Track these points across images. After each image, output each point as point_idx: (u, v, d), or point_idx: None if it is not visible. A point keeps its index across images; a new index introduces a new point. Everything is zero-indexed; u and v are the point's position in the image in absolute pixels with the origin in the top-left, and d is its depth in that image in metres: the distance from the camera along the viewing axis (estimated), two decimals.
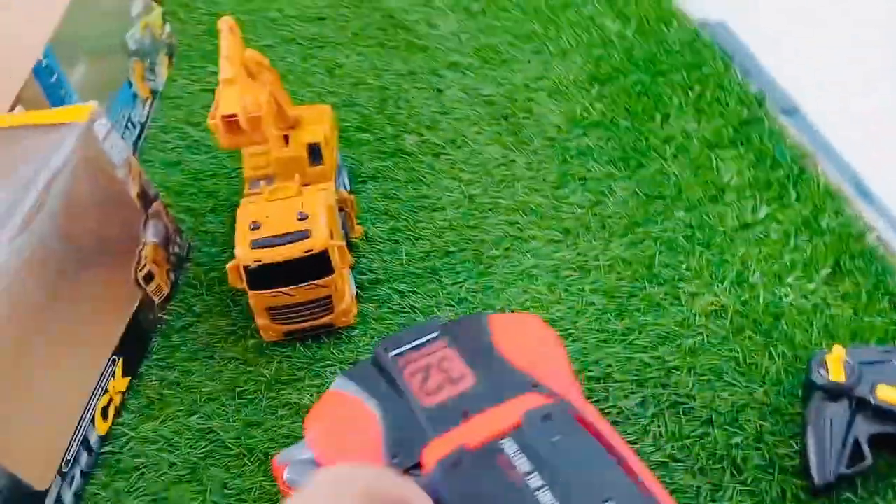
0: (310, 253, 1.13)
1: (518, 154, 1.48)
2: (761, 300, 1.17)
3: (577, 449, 0.71)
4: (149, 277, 1.28)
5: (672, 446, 1.03)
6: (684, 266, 1.24)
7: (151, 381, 1.21)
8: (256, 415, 1.14)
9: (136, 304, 1.24)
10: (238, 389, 1.18)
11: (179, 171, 1.54)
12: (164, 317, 1.29)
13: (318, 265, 1.15)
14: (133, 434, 1.15)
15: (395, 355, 0.87)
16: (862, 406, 0.97)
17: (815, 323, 1.13)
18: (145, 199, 1.29)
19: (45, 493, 1.01)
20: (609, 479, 0.68)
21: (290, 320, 1.20)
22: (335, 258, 1.16)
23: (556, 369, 0.84)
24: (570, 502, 0.66)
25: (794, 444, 1.01)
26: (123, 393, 1.19)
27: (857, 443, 0.95)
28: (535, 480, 0.68)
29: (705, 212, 1.32)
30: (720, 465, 1.01)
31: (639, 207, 1.34)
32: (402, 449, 0.77)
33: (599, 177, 1.41)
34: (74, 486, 1.07)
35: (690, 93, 1.54)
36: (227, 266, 1.15)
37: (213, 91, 1.11)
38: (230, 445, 1.11)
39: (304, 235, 1.14)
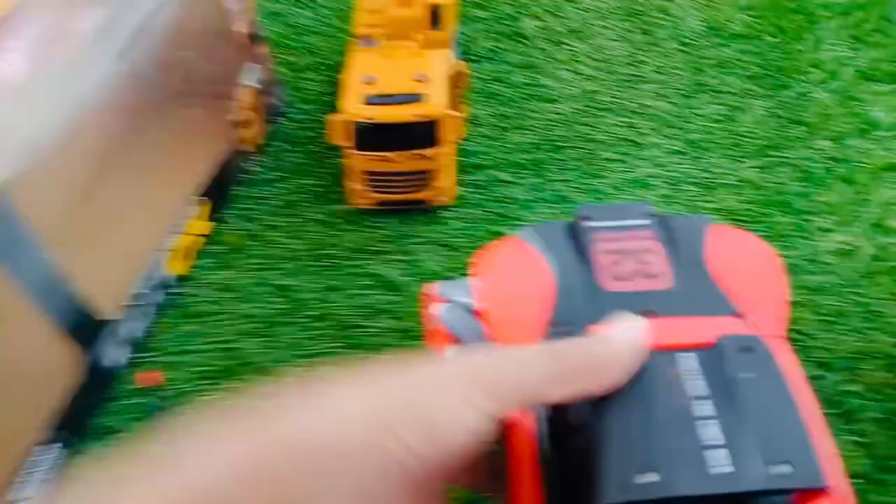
0: (423, 118, 1.05)
1: (647, 55, 1.35)
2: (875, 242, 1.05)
3: (768, 394, 0.58)
4: (243, 123, 1.22)
5: None
6: (820, 199, 1.13)
7: (233, 230, 1.17)
8: (337, 280, 1.08)
9: (228, 149, 1.19)
10: (320, 252, 1.12)
11: (282, 22, 1.46)
12: (254, 167, 1.24)
13: (428, 133, 1.07)
14: (209, 280, 1.11)
15: (593, 227, 0.77)
16: None
17: None
18: (252, 39, 1.22)
19: (114, 324, 0.98)
20: (792, 439, 0.56)
21: (386, 189, 1.13)
22: (448, 129, 1.08)
23: (766, 308, 0.74)
24: (738, 445, 0.56)
25: None
26: (206, 237, 1.15)
27: None
28: (703, 408, 0.60)
29: (850, 145, 1.19)
30: (831, 412, 0.91)
31: (777, 130, 1.22)
32: (569, 321, 0.68)
33: (736, 92, 1.28)
34: (146, 322, 1.04)
35: (850, 17, 1.38)
36: (330, 118, 1.08)
37: None
38: (308, 306, 1.06)
39: (419, 98, 1.06)
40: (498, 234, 1.11)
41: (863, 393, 0.93)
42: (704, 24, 1.39)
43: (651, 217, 0.81)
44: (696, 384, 0.61)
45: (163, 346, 1.03)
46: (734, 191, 1.14)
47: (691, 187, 1.16)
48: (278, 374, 1.00)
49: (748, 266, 0.77)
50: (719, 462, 0.56)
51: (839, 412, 0.91)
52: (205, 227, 1.15)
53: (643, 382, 0.62)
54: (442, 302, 0.85)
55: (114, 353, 0.98)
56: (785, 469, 0.56)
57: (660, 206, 1.14)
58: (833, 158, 1.17)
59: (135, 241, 1.05)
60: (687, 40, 1.36)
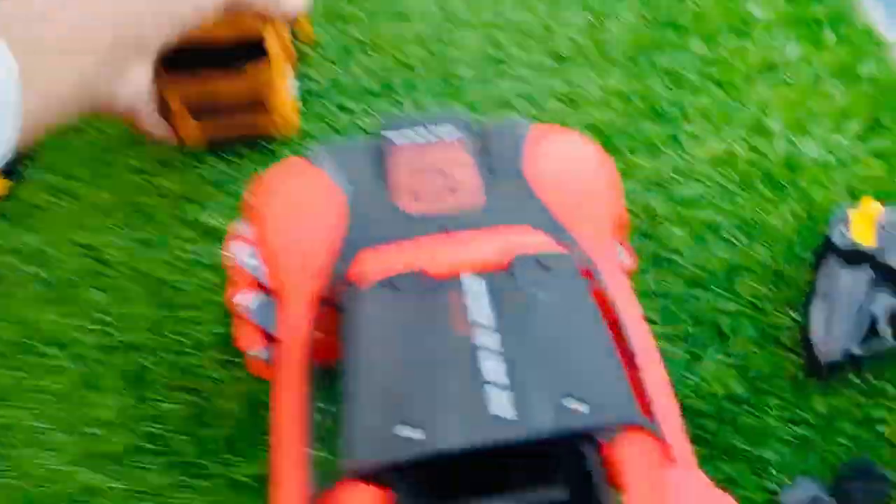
0: (243, 35, 0.89)
1: None
2: (778, 151, 0.97)
3: (562, 316, 0.50)
4: None
5: (650, 307, 0.84)
6: (693, 106, 1.03)
7: (32, 185, 1.00)
8: (152, 234, 0.94)
9: None
10: (133, 203, 0.97)
11: None
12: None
13: (253, 50, 0.91)
14: (3, 244, 0.95)
15: (394, 142, 0.67)
16: (886, 276, 0.79)
17: (838, 180, 0.93)
18: None
19: None
20: (589, 367, 0.48)
21: (216, 120, 0.97)
22: (274, 44, 0.93)
23: (591, 214, 0.63)
24: (523, 384, 0.46)
25: (796, 316, 0.83)
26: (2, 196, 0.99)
27: (874, 319, 0.77)
28: (484, 338, 0.49)
29: (725, 46, 1.09)
30: (704, 333, 0.83)
31: (647, 35, 1.11)
32: (359, 248, 0.59)
33: None
34: None
35: None
36: None
37: None
38: (116, 265, 0.92)
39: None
40: None
41: (738, 311, 0.85)
42: None
43: (463, 126, 0.69)
44: (479, 310, 0.50)
45: None
46: (602, 104, 1.04)
47: (557, 103, 1.05)
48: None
49: (574, 173, 0.66)
50: (500, 405, 0.46)
51: (715, 334, 0.83)
52: (1, 185, 0.99)
53: (412, 310, 0.51)
54: (242, 242, 0.73)
55: None
56: (580, 407, 0.46)
57: None
58: (706, 61, 1.08)
59: None
60: None
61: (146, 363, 0.83)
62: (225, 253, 0.71)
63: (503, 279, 0.52)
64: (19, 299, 0.89)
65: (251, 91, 0.95)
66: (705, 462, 0.74)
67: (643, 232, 0.91)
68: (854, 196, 0.92)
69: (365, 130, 1.04)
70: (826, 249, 0.82)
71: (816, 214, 0.91)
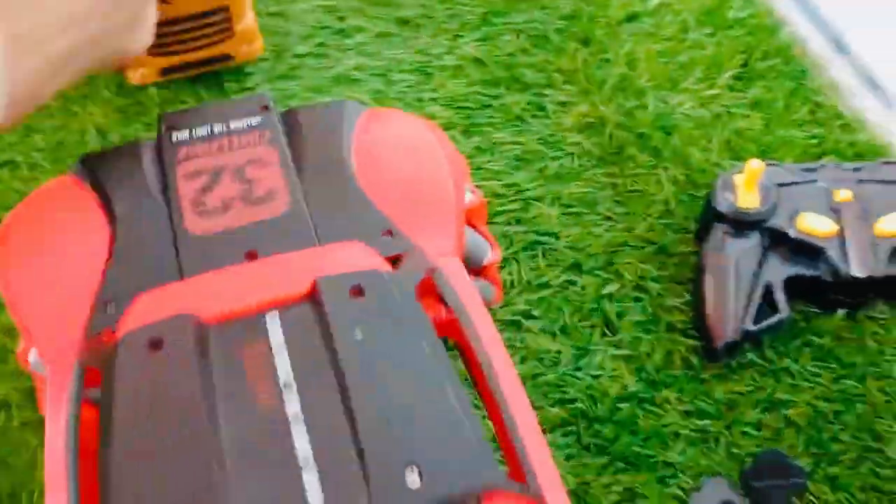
0: None
1: None
2: (650, 109, 0.88)
3: (389, 358, 0.39)
4: None
5: (526, 300, 0.74)
6: (553, 67, 0.93)
7: None
8: None
9: None
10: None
11: None
12: None
13: None
14: None
15: (177, 142, 0.53)
16: (777, 240, 0.72)
17: (716, 138, 0.86)
18: None
19: None
20: (431, 424, 0.36)
21: (171, 48, 0.84)
22: None
23: (432, 211, 0.51)
24: (332, 461, 0.35)
25: (686, 294, 0.75)
26: None
27: (768, 289, 0.70)
28: (293, 404, 0.37)
29: (589, 2, 1.00)
30: (587, 323, 0.74)
31: None
32: (124, 292, 0.45)
33: None
34: None
35: None
36: None
37: None
38: None
39: None
40: None
41: (622, 294, 0.76)
42: None
43: (266, 113, 0.56)
44: (283, 364, 0.39)
45: None
46: (455, 74, 0.92)
47: (406, 76, 0.93)
48: None
49: (406, 162, 0.54)
50: (311, 493, 0.34)
51: (600, 324, 0.74)
52: None
53: (191, 377, 0.38)
54: None
55: None
56: (421, 482, 0.35)
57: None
58: (564, 17, 0.98)
59: None
60: None
61: None
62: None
63: (306, 315, 0.40)
64: None
65: (210, 7, 0.83)
66: (604, 473, 0.65)
67: (514, 216, 0.81)
68: (734, 153, 0.85)
69: None
70: (710, 218, 0.74)
71: (696, 178, 0.83)
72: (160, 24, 0.84)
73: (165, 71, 0.89)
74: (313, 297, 0.41)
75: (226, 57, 0.91)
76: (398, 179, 0.51)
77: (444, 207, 0.50)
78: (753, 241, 0.71)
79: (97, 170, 0.52)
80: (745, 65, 0.93)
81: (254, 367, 0.38)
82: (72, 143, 0.87)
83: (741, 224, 0.71)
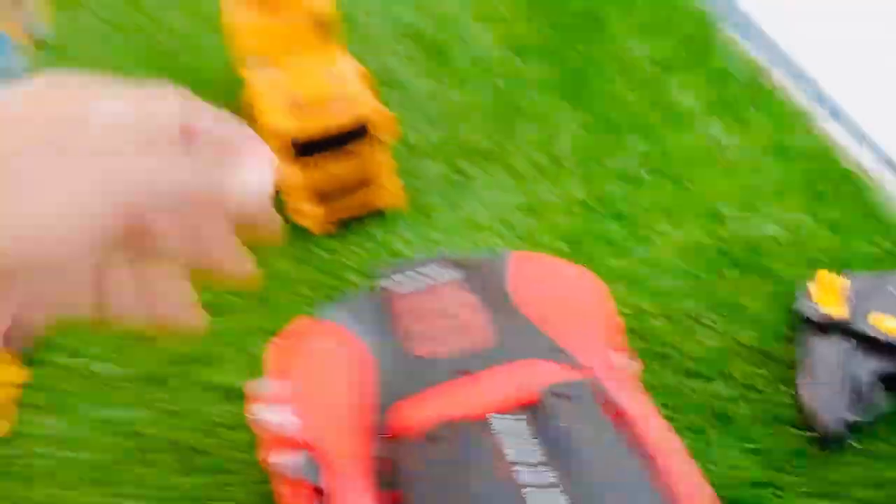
0: (359, 120, 1.01)
1: (455, 88, 1.31)
2: (736, 232, 1.05)
3: (594, 445, 0.54)
4: None
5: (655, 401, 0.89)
6: (648, 201, 1.11)
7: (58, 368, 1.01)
8: (173, 402, 0.96)
9: None
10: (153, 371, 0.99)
11: None
12: None
13: (360, 135, 1.03)
14: (32, 433, 0.94)
15: (394, 289, 0.70)
16: (861, 340, 0.86)
17: (797, 253, 1.02)
18: None
19: None
20: (628, 495, 0.52)
21: (337, 200, 1.08)
22: (382, 127, 1.05)
23: (585, 332, 0.67)
24: None
25: (790, 391, 0.89)
26: (21, 385, 0.98)
27: (858, 383, 0.84)
28: (526, 475, 0.53)
29: (665, 142, 1.18)
30: (707, 421, 0.88)
31: (594, 143, 1.20)
32: (391, 402, 0.61)
33: (545, 111, 1.25)
34: None
35: (633, 13, 1.40)
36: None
37: None
38: (148, 437, 0.92)
39: (347, 101, 1.02)
40: None
41: (738, 395, 0.90)
42: (501, 44, 1.37)
43: (451, 265, 0.73)
44: (514, 449, 0.54)
45: None
46: (565, 212, 1.11)
47: (523, 218, 1.12)
48: None
49: (562, 295, 0.71)
50: None
51: (721, 421, 0.88)
52: (18, 373, 0.99)
53: (454, 461, 0.54)
54: (264, 401, 0.74)
55: None
56: None
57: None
58: (647, 155, 1.16)
59: None
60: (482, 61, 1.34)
61: None
62: (249, 415, 0.73)
63: (531, 415, 0.56)
64: (60, 483, 0.89)
65: (361, 170, 1.07)
66: None
67: (631, 328, 0.97)
68: (814, 264, 1.00)
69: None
70: (799, 322, 0.89)
71: (784, 289, 0.98)
72: (333, 189, 1.06)
73: (335, 219, 1.10)
74: (540, 403, 0.57)
75: (377, 210, 1.12)
76: (551, 306, 0.68)
77: (592, 325, 0.67)
78: (840, 341, 0.86)
79: (340, 311, 0.69)
80: (811, 188, 1.09)
81: (493, 451, 0.54)
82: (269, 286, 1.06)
83: (826, 328, 0.86)
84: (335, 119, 1.02)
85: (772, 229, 1.05)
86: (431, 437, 0.56)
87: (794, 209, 1.07)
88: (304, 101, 1.02)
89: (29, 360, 0.99)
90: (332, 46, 1.17)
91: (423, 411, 0.59)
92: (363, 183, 1.09)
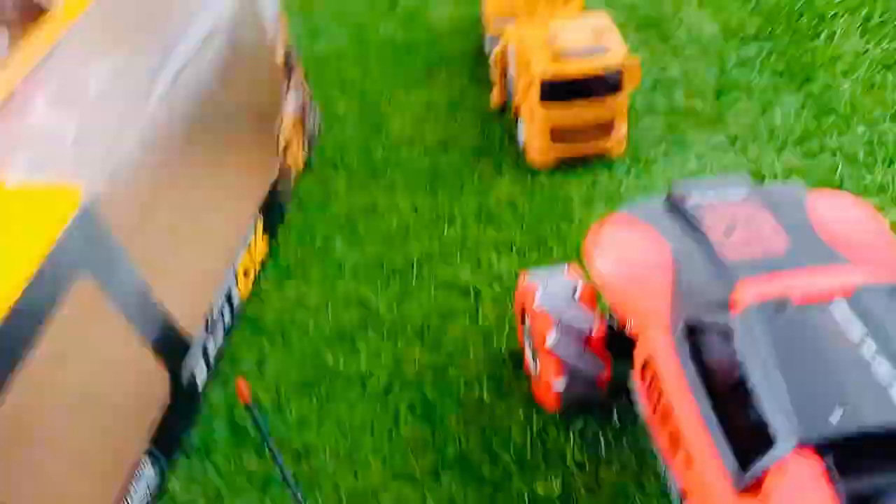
0: (607, 69, 1.13)
1: (672, 59, 1.40)
2: None
3: None
4: (287, 147, 1.23)
5: None
6: (867, 180, 1.16)
7: (291, 248, 1.16)
8: (406, 289, 1.08)
9: (277, 172, 1.19)
10: (386, 262, 1.12)
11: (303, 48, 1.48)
12: (301, 188, 1.24)
13: (608, 84, 1.15)
14: (275, 296, 1.09)
15: (697, 200, 0.81)
16: None
17: None
18: (288, 64, 1.23)
19: (193, 342, 0.95)
20: None
21: (568, 143, 1.19)
22: (630, 76, 1.16)
23: (879, 259, 0.75)
24: None
25: None
26: (264, 257, 1.14)
27: None
28: (869, 347, 0.61)
29: (884, 129, 1.23)
30: None
31: (810, 120, 1.26)
32: (696, 288, 0.72)
33: (763, 88, 1.32)
34: (217, 341, 1.02)
35: (856, 13, 1.44)
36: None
37: None
38: (382, 314, 1.05)
39: (601, 49, 1.14)
40: None
41: None
42: (719, 26, 1.45)
43: (748, 187, 0.83)
44: (856, 327, 0.63)
45: (243, 362, 1.01)
46: (784, 178, 1.17)
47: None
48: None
49: (851, 223, 0.79)
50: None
51: None
52: (263, 246, 1.14)
53: (811, 330, 0.64)
54: (537, 287, 0.86)
55: (198, 371, 0.96)
56: None
57: None
58: (870, 142, 1.21)
59: (207, 259, 1.03)
60: (705, 43, 1.42)
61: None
62: (532, 303, 0.85)
63: (858, 301, 0.64)
64: (303, 344, 1.02)
65: (602, 117, 1.18)
66: None
67: None
68: None
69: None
70: None
71: None
72: (567, 128, 1.18)
73: (559, 160, 1.21)
74: (856, 294, 0.65)
75: (601, 154, 1.21)
76: (850, 233, 0.76)
77: (890, 256, 0.75)
78: None
79: (643, 212, 0.81)
80: None
81: (835, 327, 0.63)
82: (490, 206, 1.18)
83: None
84: (585, 66, 1.14)
85: None
86: (778, 306, 0.65)
87: None
88: (564, 49, 1.14)
89: (271, 240, 1.14)
90: (575, 5, 1.31)
91: (757, 292, 0.68)
92: (598, 128, 1.19)
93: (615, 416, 0.90)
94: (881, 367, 0.59)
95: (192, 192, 1.02)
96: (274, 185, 1.17)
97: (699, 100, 1.32)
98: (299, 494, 0.80)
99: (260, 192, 1.14)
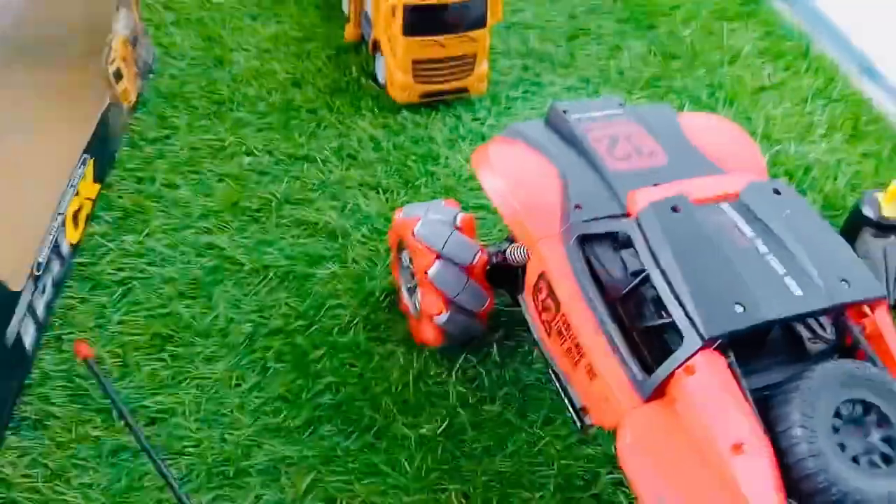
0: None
1: (525, 3, 1.39)
2: (790, 154, 1.17)
3: (809, 226, 0.64)
4: (118, 75, 1.08)
5: None
6: None
7: (126, 192, 1.02)
8: (265, 234, 0.99)
9: (106, 104, 1.04)
10: (237, 206, 1.02)
11: None
12: (133, 126, 1.10)
13: (474, 16, 1.11)
14: (112, 246, 0.96)
15: (580, 119, 0.79)
16: None
17: (840, 176, 1.14)
18: None
19: (17, 297, 0.82)
20: (838, 256, 0.63)
21: (431, 79, 1.14)
22: (492, 9, 1.12)
23: (746, 167, 0.77)
24: (797, 272, 0.60)
25: None
26: (94, 200, 0.99)
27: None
28: (761, 246, 0.62)
29: (724, 73, 1.29)
30: None
31: (657, 64, 1.30)
32: (585, 200, 0.71)
33: (611, 33, 1.35)
34: (46, 296, 0.88)
35: None
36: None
37: None
38: (240, 261, 0.95)
39: None
40: None
41: None
42: None
43: (621, 107, 0.83)
44: (746, 227, 0.64)
45: (79, 321, 0.88)
46: None
47: None
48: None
49: (723, 139, 0.82)
50: (796, 289, 0.60)
51: None
52: (93, 188, 0.99)
53: (706, 228, 0.64)
54: (413, 220, 0.82)
55: (25, 331, 0.82)
56: (845, 286, 0.60)
57: None
58: (711, 85, 1.27)
59: (29, 204, 0.89)
60: None
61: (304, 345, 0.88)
62: (410, 233, 0.80)
63: (744, 203, 0.65)
64: (149, 296, 0.91)
65: (466, 51, 1.14)
66: None
67: None
68: (855, 186, 1.13)
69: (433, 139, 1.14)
70: (857, 224, 1.00)
71: (833, 202, 1.10)
72: (431, 61, 1.13)
73: (422, 95, 1.15)
74: (744, 196, 0.66)
75: (463, 90, 1.18)
76: (721, 148, 0.78)
77: (759, 167, 0.77)
78: (889, 239, 0.98)
79: (522, 133, 0.78)
80: (853, 127, 1.22)
81: (730, 226, 0.63)
82: (352, 144, 1.11)
83: (884, 227, 0.98)
84: None
85: (819, 156, 1.17)
86: (675, 207, 0.64)
87: (838, 142, 1.20)
88: None
89: (101, 178, 1.01)
90: None
91: (651, 197, 0.67)
92: (461, 62, 1.15)
93: (495, 352, 0.88)
94: (775, 260, 0.61)
95: (5, 126, 0.87)
96: (104, 120, 1.03)
97: (551, 43, 1.32)
98: (159, 460, 0.70)
99: (87, 127, 1.00)
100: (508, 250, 0.83)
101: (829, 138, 1.20)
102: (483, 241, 0.91)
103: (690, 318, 0.58)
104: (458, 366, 0.87)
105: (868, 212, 0.99)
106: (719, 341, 0.58)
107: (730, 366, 0.57)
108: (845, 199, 1.12)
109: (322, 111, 1.15)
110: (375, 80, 1.21)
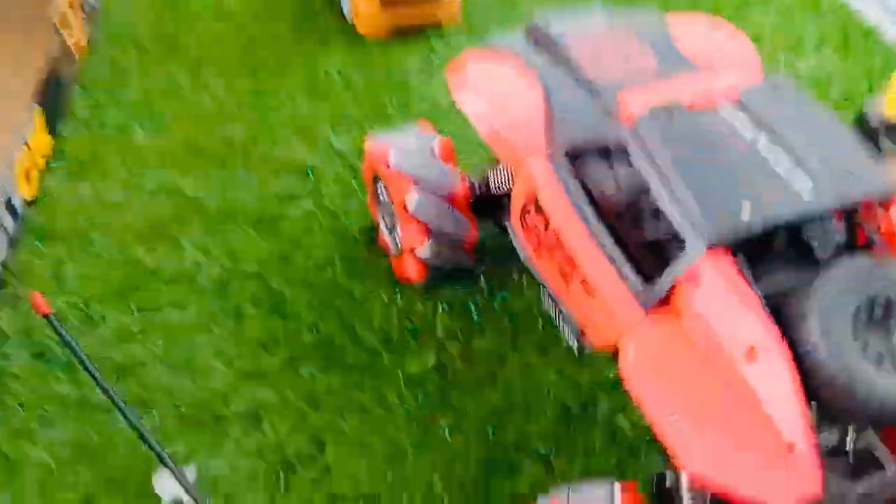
0: None
1: None
2: (782, 63, 1.12)
3: (813, 119, 0.61)
4: (62, 22, 1.01)
5: None
6: None
7: (80, 141, 0.96)
8: (231, 175, 0.93)
9: (53, 52, 0.97)
10: (199, 149, 0.96)
11: None
12: (84, 72, 1.03)
13: None
14: (67, 196, 0.90)
15: (559, 32, 0.76)
16: None
17: (831, 89, 1.10)
18: None
19: None
20: (849, 153, 0.59)
21: (398, 7, 1.09)
22: None
23: (745, 67, 0.75)
24: (806, 170, 0.58)
25: None
26: (47, 154, 0.93)
27: None
28: (763, 143, 0.59)
29: None
30: None
31: None
32: (572, 113, 0.68)
33: None
34: (1, 255, 0.82)
35: None
36: None
37: None
38: (205, 204, 0.90)
39: None
40: None
41: None
42: None
43: (608, 16, 0.79)
44: (746, 127, 0.60)
45: (36, 276, 0.82)
46: None
47: None
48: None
49: (715, 38, 0.78)
50: (804, 189, 0.56)
51: None
52: (46, 142, 0.93)
53: (704, 133, 0.60)
54: (386, 147, 0.77)
55: None
56: (855, 184, 0.56)
57: None
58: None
59: None
60: None
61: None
62: (384, 165, 0.75)
63: (744, 103, 0.61)
64: (107, 240, 0.85)
65: None
66: None
67: None
68: (847, 98, 1.08)
69: None
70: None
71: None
72: None
73: (392, 31, 1.10)
74: (743, 96, 0.62)
75: (435, 23, 1.12)
76: (716, 53, 0.73)
77: (752, 58, 0.73)
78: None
79: (506, 45, 0.74)
80: (842, 41, 1.17)
81: (728, 128, 0.59)
82: (320, 81, 1.05)
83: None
84: None
85: (811, 68, 1.12)
86: (671, 114, 0.60)
87: (828, 55, 1.15)
88: None
89: (53, 130, 0.94)
90: None
91: (642, 100, 0.62)
92: None
93: (482, 282, 0.83)
94: (779, 160, 0.57)
95: None
96: (52, 69, 0.96)
97: None
98: (128, 411, 0.65)
99: (35, 77, 0.93)
100: (491, 176, 0.79)
101: (819, 52, 1.16)
102: (463, 165, 0.86)
103: (692, 224, 0.54)
104: (444, 300, 0.82)
105: (871, 117, 0.96)
106: (727, 244, 0.54)
107: (738, 269, 0.53)
108: (839, 110, 1.07)
109: (287, 46, 1.09)
110: (341, 12, 1.14)
